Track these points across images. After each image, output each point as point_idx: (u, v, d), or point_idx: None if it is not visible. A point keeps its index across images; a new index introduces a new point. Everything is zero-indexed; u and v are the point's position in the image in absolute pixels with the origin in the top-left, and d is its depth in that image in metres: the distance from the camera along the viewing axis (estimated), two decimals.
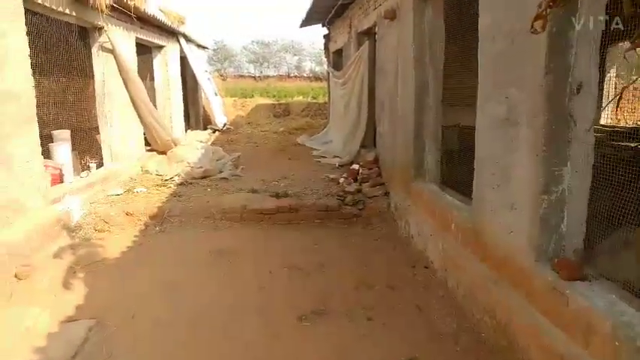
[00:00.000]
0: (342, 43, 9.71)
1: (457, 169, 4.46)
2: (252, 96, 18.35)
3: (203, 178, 7.23)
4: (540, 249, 2.61)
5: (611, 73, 6.62)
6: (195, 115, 13.41)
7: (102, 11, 5.87)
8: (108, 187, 6.58)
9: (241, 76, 49.58)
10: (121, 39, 7.33)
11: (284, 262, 4.49)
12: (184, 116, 12.05)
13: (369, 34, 7.48)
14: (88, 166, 6.83)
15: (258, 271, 4.32)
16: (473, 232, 3.41)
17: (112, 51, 6.94)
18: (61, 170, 6.03)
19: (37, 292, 3.86)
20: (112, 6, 6.43)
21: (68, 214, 5.34)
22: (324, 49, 12.47)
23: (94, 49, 6.83)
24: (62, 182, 6.01)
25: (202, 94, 12.52)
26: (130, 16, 7.29)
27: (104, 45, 6.84)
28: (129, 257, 4.70)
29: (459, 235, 3.70)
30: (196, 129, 12.95)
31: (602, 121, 6.97)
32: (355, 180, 6.54)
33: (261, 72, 52.24)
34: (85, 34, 6.49)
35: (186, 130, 11.99)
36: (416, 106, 4.76)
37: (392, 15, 5.53)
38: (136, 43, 8.28)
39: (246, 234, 5.35)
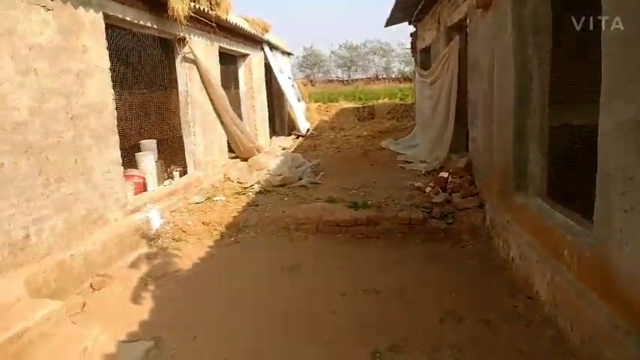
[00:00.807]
0: (430, 40, 9.01)
1: (570, 180, 3.68)
2: (337, 100, 18.10)
3: (282, 185, 7.02)
4: None
5: None
6: (280, 122, 13.46)
7: (180, 22, 5.89)
8: (189, 194, 6.63)
9: (330, 80, 50.13)
10: (204, 49, 7.41)
11: (359, 283, 4.03)
12: (269, 122, 12.13)
13: (460, 28, 6.75)
14: (172, 175, 6.96)
15: (331, 292, 3.91)
16: (594, 264, 2.68)
17: (194, 61, 7.03)
18: (144, 179, 6.17)
19: (107, 304, 3.82)
20: (193, 16, 6.47)
21: (148, 222, 5.38)
22: (411, 48, 11.79)
23: (177, 60, 6.95)
24: (145, 190, 6.15)
25: (287, 101, 12.49)
26: (212, 26, 7.34)
27: (187, 56, 6.94)
28: (200, 270, 4.56)
29: (573, 265, 2.96)
30: (281, 135, 12.97)
31: None
32: (444, 189, 5.87)
33: (349, 75, 52.34)
34: (168, 45, 6.60)
35: (271, 137, 12.05)
36: (516, 104, 4.04)
37: (486, 3, 4.83)
38: (220, 52, 8.38)
39: (321, 248, 4.98)
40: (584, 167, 3.38)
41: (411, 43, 11.66)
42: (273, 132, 12.85)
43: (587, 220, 3.16)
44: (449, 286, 3.94)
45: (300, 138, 12.44)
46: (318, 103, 16.51)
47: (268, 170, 7.47)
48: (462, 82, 6.64)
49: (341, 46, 52.34)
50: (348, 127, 13.78)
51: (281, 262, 4.58)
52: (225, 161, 8.24)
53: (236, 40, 9.04)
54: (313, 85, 42.71)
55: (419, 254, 4.74)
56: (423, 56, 10.71)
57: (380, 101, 17.08)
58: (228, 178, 7.68)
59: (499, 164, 4.60)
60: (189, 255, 4.94)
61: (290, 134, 12.94)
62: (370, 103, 16.62)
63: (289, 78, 12.31)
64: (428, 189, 6.04)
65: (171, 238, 5.37)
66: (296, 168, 7.63)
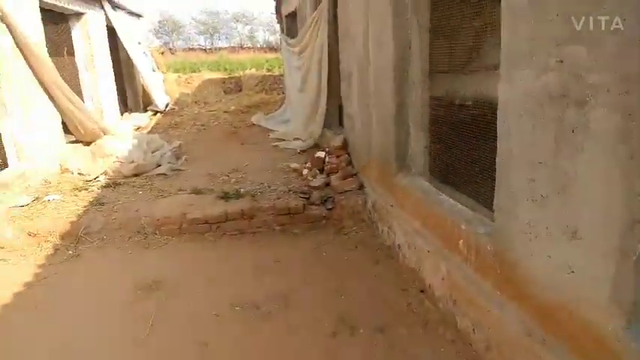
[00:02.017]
0: (296, 3, 8.39)
1: (457, 158, 3.43)
2: (199, 70, 16.61)
3: (135, 175, 5.91)
4: (636, 310, 1.62)
5: None
6: (133, 96, 11.77)
7: None
8: (11, 196, 5.17)
9: (191, 49, 46.82)
10: (17, 4, 5.76)
11: (235, 297, 3.37)
12: (120, 97, 10.48)
13: None
14: None
15: (200, 314, 3.19)
16: (498, 259, 2.40)
17: (3, 19, 5.40)
18: None
19: None
20: None
21: None
22: (275, 12, 11.05)
23: None
24: None
25: (138, 72, 10.87)
26: None
27: None
28: (23, 303, 3.44)
29: (471, 257, 2.69)
30: (135, 112, 11.36)
31: None
32: (321, 171, 5.42)
33: (212, 44, 49.59)
34: None
35: (122, 114, 10.43)
36: (396, 76, 3.65)
37: None
38: (45, 9, 6.69)
39: (186, 254, 4.17)
40: (479, 147, 3.15)
41: (275, 7, 10.92)
42: (126, 108, 11.20)
43: (481, 205, 2.92)
44: (337, 286, 3.50)
45: (159, 114, 11.03)
46: (178, 74, 14.89)
47: (117, 157, 6.25)
48: (334, 51, 6.19)
49: (201, 11, 49.12)
50: (214, 101, 12.66)
51: (136, 279, 3.67)
52: (62, 148, 6.73)
53: None
54: (173, 54, 39.33)
55: (300, 248, 4.23)
56: (289, 22, 10.08)
57: (247, 72, 16.11)
58: (66, 169, 6.26)
59: (378, 143, 4.25)
60: (8, 281, 3.74)
61: (146, 110, 11.40)
62: (237, 75, 15.55)
63: (139, 44, 10.66)
64: (305, 171, 5.54)
65: None
66: (152, 152, 6.52)
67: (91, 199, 5.06)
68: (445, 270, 2.94)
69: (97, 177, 5.90)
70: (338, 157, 5.43)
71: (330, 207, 4.74)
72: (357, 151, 5.17)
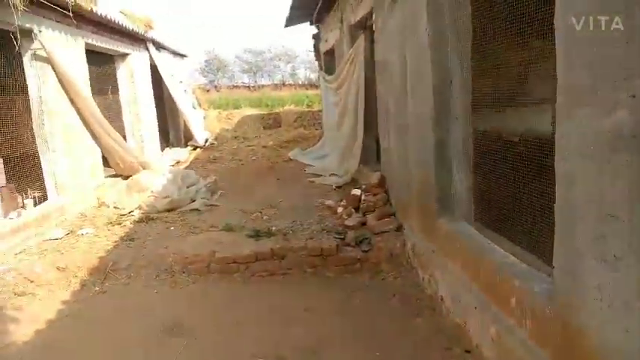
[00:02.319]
0: (334, 41, 8.39)
1: (505, 202, 3.10)
2: (239, 107, 16.95)
3: (169, 210, 5.86)
4: None
5: None
6: (174, 132, 12.06)
7: (16, 8, 4.50)
8: (47, 228, 5.22)
9: (235, 86, 48.52)
10: (63, 45, 6.00)
11: (259, 347, 3.11)
12: (163, 133, 10.74)
13: (365, 25, 6.15)
14: (24, 204, 5.47)
15: None
16: (557, 324, 2.04)
17: (48, 60, 5.61)
18: None
19: None
20: (42, 2, 5.10)
21: None
22: (314, 50, 11.15)
23: (26, 59, 5.50)
24: None
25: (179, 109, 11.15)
26: (75, 17, 5.95)
27: (38, 53, 5.52)
28: (44, 341, 3.32)
29: (526, 320, 2.32)
30: (177, 146, 11.60)
31: None
32: (357, 209, 5.16)
33: (255, 81, 51.23)
34: (8, 39, 5.12)
35: (164, 149, 10.65)
36: (435, 110, 3.41)
37: None
38: (90, 50, 6.97)
39: (213, 295, 3.97)
40: (522, 186, 2.83)
41: (314, 45, 11.03)
42: (167, 143, 11.45)
43: (535, 256, 2.58)
44: (372, 340, 3.17)
45: (198, 149, 11.19)
46: (218, 110, 15.23)
47: (152, 191, 6.25)
48: (370, 86, 6.04)
49: (245, 50, 51.11)
50: (253, 137, 12.77)
51: (160, 321, 3.50)
52: (101, 181, 6.83)
53: (110, 37, 7.64)
54: (218, 91, 40.85)
55: (333, 294, 3.93)
56: (327, 59, 10.11)
57: (286, 108, 16.29)
58: (102, 202, 6.32)
59: (418, 181, 3.97)
60: (33, 317, 3.66)
61: (187, 145, 11.62)
62: (276, 110, 15.75)
63: (180, 82, 10.97)
64: (340, 209, 5.30)
65: (12, 292, 4.03)
66: (187, 187, 6.49)
67: (123, 234, 5.01)
68: (495, 331, 2.57)
69: (132, 211, 5.89)
70: (375, 194, 5.17)
71: (367, 249, 4.44)
72: (395, 189, 4.89)
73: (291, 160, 9.65)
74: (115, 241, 4.80)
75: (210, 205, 6.14)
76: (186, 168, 8.93)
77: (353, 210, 5.15)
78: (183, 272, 4.27)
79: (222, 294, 3.98)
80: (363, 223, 4.86)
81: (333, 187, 6.75)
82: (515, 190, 2.90)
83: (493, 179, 3.24)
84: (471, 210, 3.44)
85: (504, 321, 2.51)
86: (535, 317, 2.24)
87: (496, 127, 3.68)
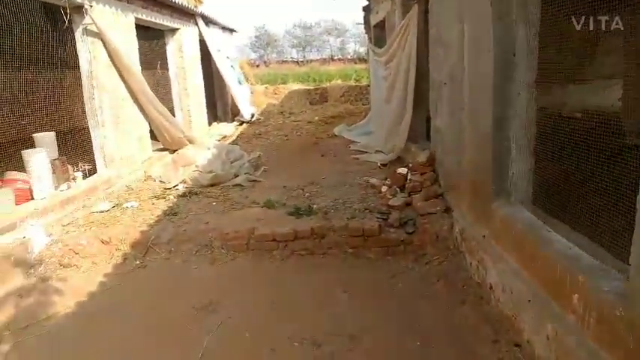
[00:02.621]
0: (385, 12, 7.97)
1: (571, 187, 2.77)
2: (286, 82, 16.80)
3: (213, 185, 5.86)
4: None
5: None
6: (222, 107, 12.13)
7: None
8: (94, 201, 5.36)
9: (284, 61, 48.57)
10: (113, 20, 6.04)
11: (295, 330, 3.00)
12: (210, 108, 10.82)
13: None
14: (74, 176, 5.63)
15: (254, 345, 2.87)
16: (629, 328, 1.76)
17: (99, 35, 5.66)
18: (30, 185, 4.86)
19: None
20: None
21: (26, 244, 4.12)
22: (364, 23, 10.73)
23: (77, 34, 5.57)
24: (32, 199, 4.85)
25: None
26: None
27: (89, 28, 5.57)
28: (83, 314, 3.39)
29: (590, 320, 2.05)
30: (224, 121, 11.68)
31: None
32: (402, 189, 4.91)
33: (304, 56, 50.97)
34: (56, 13, 5.18)
35: (211, 124, 10.74)
36: (496, 85, 3.07)
37: None
38: (140, 25, 7.00)
39: (251, 273, 3.91)
40: (591, 169, 2.50)
41: (364, 18, 10.60)
42: (215, 118, 11.55)
43: (605, 250, 2.27)
44: (414, 328, 2.99)
45: (244, 124, 11.20)
46: (265, 85, 15.17)
47: (196, 166, 6.28)
48: (422, 60, 5.67)
49: (295, 25, 50.81)
50: (299, 112, 12.63)
51: (195, 298, 3.47)
52: (148, 155, 6.95)
53: (160, 11, 7.65)
54: (267, 66, 41.03)
55: (374, 276, 3.76)
56: (377, 32, 9.68)
57: (333, 83, 15.97)
58: (149, 176, 6.43)
59: (472, 161, 3.66)
60: (76, 289, 3.75)
61: (234, 120, 11.67)
62: (323, 86, 15.48)
63: (227, 58, 10.93)
64: (384, 188, 5.07)
65: (58, 264, 4.14)
66: (231, 163, 6.47)
67: (166, 209, 5.04)
68: (551, 329, 2.30)
69: (176, 185, 5.95)
70: (422, 174, 4.89)
71: (411, 230, 4.21)
72: (445, 169, 4.59)
73: (336, 136, 9.44)
74: (158, 215, 4.84)
75: (253, 180, 6.08)
76: (231, 143, 8.95)
77: (398, 189, 4.91)
78: (223, 249, 4.23)
79: (260, 272, 3.91)
80: (408, 204, 4.61)
81: (378, 164, 6.50)
82: (582, 175, 2.57)
83: (557, 161, 2.91)
84: (530, 194, 3.13)
85: (564, 319, 2.24)
86: (602, 318, 1.96)
87: (560, 103, 3.30)
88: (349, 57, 45.07)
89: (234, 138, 9.77)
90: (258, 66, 39.46)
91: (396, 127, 6.53)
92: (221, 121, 11.67)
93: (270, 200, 5.02)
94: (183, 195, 5.55)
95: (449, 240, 4.14)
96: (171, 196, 5.53)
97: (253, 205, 5.01)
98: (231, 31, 13.20)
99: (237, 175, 6.15)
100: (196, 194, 5.58)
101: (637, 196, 1.72)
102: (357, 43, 46.17)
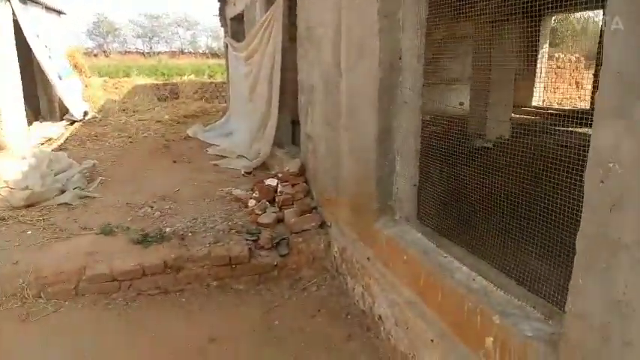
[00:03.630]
0: (243, 5, 7.33)
1: (460, 203, 2.54)
2: (129, 75, 14.94)
3: (29, 206, 4.53)
4: None
5: None
6: (47, 103, 10.07)
7: None
8: None
9: (128, 52, 44.14)
10: None
11: None
12: (30, 104, 8.84)
13: None
14: None
15: None
16: None
17: None
18: None
19: None
20: None
21: None
22: (219, 15, 9.90)
23: None
24: None
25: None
26: None
27: None
28: None
29: None
30: (50, 120, 9.72)
31: None
32: (272, 202, 4.37)
33: (151, 48, 47.13)
34: None
35: (31, 123, 8.78)
36: (381, 92, 2.71)
37: None
38: None
39: (81, 327, 2.95)
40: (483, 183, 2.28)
41: (219, 9, 9.78)
42: (37, 117, 9.54)
43: (509, 277, 2.03)
44: None
45: (77, 124, 9.46)
46: (103, 79, 13.19)
47: (5, 181, 4.83)
48: (288, 59, 5.20)
49: (140, 14, 46.69)
50: (145, 109, 11.20)
51: None
52: None
53: None
54: (107, 57, 36.75)
55: (245, 314, 3.15)
56: (234, 26, 8.98)
57: (185, 78, 14.70)
58: None
59: (351, 174, 3.28)
60: None
61: (62, 119, 9.78)
62: (173, 81, 14.12)
63: (46, 47, 9.03)
64: (252, 202, 4.45)
65: None
66: (55, 175, 5.14)
67: None
68: None
69: None
70: (293, 185, 4.41)
71: (285, 252, 3.69)
72: (318, 181, 4.17)
73: (190, 137, 8.48)
74: None
75: (86, 196, 4.90)
76: (58, 148, 7.37)
77: (267, 203, 4.34)
78: (40, 297, 3.16)
79: (93, 326, 2.97)
80: (280, 220, 4.09)
81: (242, 172, 5.86)
82: (476, 189, 2.34)
83: (442, 176, 2.67)
84: (415, 211, 2.85)
85: None
86: None
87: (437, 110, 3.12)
88: (201, 51, 43.03)
89: (62, 141, 8.08)
90: (96, 55, 35.13)
91: (261, 130, 5.97)
92: (45, 120, 9.69)
93: (108, 224, 4.00)
94: None
95: (326, 260, 3.74)
96: None
97: (85, 232, 3.93)
98: (59, 13, 11.10)
99: (64, 191, 4.89)
100: (4, 219, 4.22)
101: (576, 247, 1.43)
102: (209, 37, 44.38)
